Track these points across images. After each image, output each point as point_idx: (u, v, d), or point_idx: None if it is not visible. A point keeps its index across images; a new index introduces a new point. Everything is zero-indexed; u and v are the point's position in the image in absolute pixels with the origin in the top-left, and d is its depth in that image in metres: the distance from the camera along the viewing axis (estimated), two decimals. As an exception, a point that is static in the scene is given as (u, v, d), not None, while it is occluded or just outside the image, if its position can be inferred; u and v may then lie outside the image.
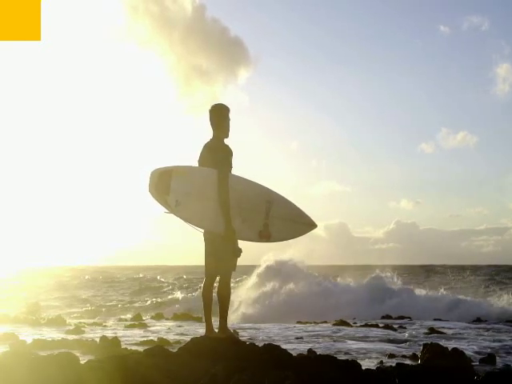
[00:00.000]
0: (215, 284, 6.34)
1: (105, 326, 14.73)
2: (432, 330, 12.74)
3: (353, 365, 5.85)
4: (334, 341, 11.52)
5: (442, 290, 23.17)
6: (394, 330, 13.85)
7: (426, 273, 52.63)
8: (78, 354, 8.26)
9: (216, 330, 6.18)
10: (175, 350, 5.88)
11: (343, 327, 14.41)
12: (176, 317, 16.93)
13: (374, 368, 6.37)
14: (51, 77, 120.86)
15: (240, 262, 6.44)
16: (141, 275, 55.43)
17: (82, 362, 5.30)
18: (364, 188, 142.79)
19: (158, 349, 5.56)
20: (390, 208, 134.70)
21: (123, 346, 9.30)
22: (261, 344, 6.36)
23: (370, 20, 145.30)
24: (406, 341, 11.44)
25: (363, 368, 6.04)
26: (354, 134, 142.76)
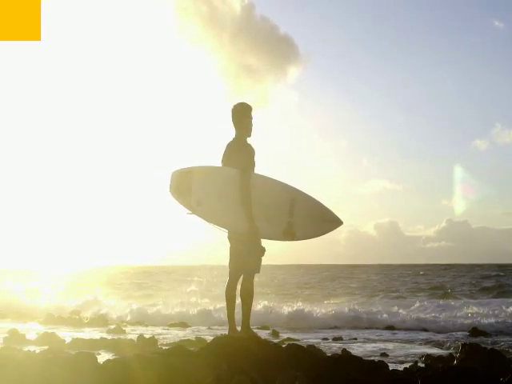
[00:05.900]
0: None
1: (146, 325, 14.88)
2: (475, 331, 12.39)
3: (378, 366, 5.74)
4: (373, 342, 11.36)
5: None
6: (437, 331, 13.58)
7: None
8: (111, 354, 8.47)
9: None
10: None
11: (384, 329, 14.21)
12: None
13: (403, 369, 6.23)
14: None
15: (264, 261, 6.41)
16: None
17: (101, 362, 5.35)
18: (415, 186, 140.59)
19: (178, 348, 5.58)
20: (441, 206, 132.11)
21: (160, 346, 9.37)
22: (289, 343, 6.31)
23: (422, 18, 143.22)
24: (447, 342, 11.17)
25: (390, 369, 5.93)
26: (404, 131, 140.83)
